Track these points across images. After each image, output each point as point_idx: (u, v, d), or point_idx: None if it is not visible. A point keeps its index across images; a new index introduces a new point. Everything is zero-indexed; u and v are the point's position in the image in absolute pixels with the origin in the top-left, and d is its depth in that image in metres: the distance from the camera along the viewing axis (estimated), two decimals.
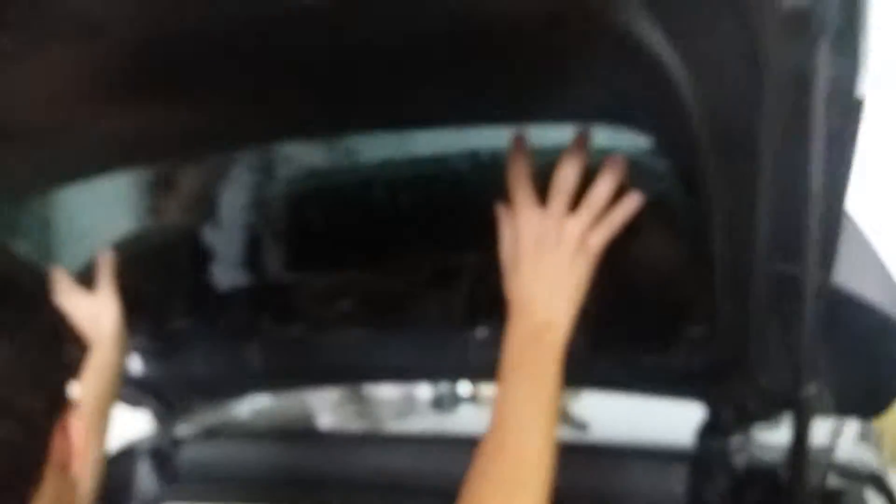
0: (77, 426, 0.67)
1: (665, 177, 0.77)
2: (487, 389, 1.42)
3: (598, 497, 0.98)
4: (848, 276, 0.82)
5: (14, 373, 0.61)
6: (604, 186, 0.73)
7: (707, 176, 0.63)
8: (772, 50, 0.54)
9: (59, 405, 0.65)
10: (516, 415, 0.73)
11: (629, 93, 0.58)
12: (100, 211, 1.23)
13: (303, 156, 1.17)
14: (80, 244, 1.24)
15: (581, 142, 0.73)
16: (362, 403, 1.61)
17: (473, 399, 1.44)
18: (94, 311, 1.10)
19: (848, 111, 0.60)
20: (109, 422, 1.11)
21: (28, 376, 0.62)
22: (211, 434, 1.50)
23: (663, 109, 0.57)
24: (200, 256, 1.31)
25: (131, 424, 1.53)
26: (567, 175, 0.73)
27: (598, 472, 1.01)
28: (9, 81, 0.58)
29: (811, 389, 0.70)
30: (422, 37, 0.53)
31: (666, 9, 0.49)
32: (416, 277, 1.15)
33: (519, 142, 0.75)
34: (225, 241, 1.29)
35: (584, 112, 0.68)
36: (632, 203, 0.74)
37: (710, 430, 0.95)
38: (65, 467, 0.67)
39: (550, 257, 0.74)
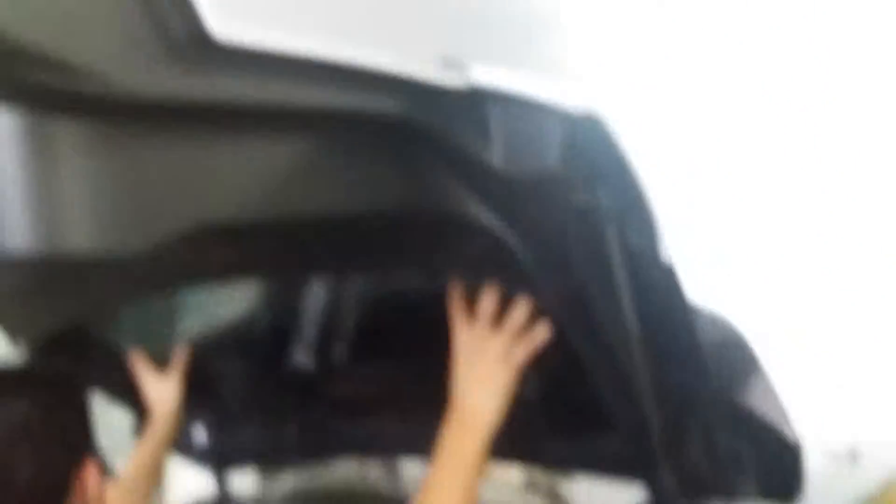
0: (93, 476, 0.88)
1: None
2: (496, 470, 1.56)
3: None
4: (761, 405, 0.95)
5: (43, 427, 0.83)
6: (519, 311, 0.90)
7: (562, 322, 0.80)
8: (575, 234, 0.72)
9: (80, 456, 0.87)
10: (439, 482, 0.91)
11: (483, 258, 0.76)
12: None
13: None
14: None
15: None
16: (395, 477, 1.78)
17: None
18: (161, 391, 1.33)
19: (661, 274, 0.76)
20: (156, 485, 1.33)
21: (56, 431, 0.84)
22: (262, 498, 1.70)
23: (508, 271, 0.75)
24: (266, 345, 1.54)
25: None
26: (487, 305, 0.91)
27: None
28: None
29: (666, 474, 0.84)
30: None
31: (493, 205, 0.68)
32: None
33: (454, 285, 0.94)
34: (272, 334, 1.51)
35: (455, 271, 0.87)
36: (542, 333, 0.90)
37: None
38: None
39: (478, 367, 0.92)
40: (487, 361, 0.92)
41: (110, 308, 0.91)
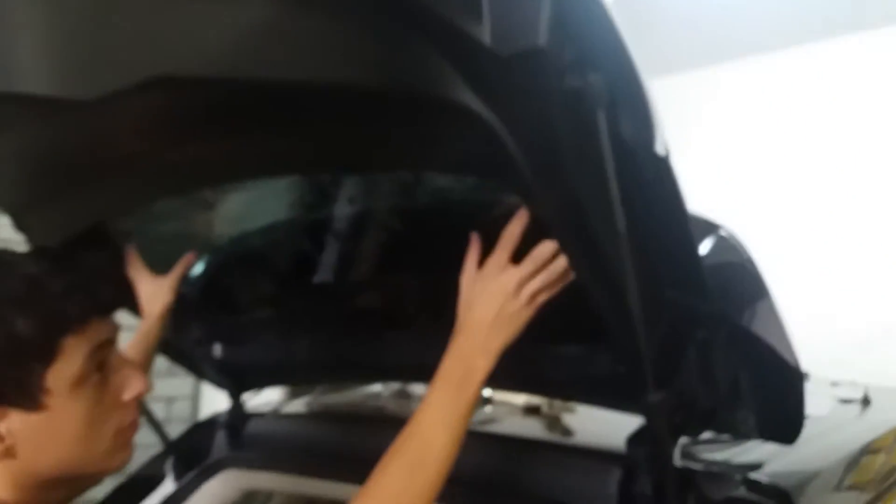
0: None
1: None
2: (502, 394, 1.58)
3: (547, 486, 1.14)
4: (749, 319, 0.94)
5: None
6: (546, 246, 0.91)
7: (550, 218, 0.79)
8: (567, 120, 0.70)
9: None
10: (433, 413, 0.92)
11: (471, 149, 0.75)
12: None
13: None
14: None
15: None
16: (406, 398, 1.81)
17: (490, 401, 1.61)
18: (154, 292, 1.36)
19: (655, 164, 0.74)
20: None
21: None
22: (275, 412, 1.75)
23: (499, 164, 0.74)
24: (282, 261, 1.56)
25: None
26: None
27: (549, 467, 1.16)
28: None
29: (657, 396, 0.84)
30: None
31: (480, 88, 0.66)
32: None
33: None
34: (302, 250, 1.53)
35: (442, 164, 0.85)
36: (568, 277, 0.91)
37: (639, 438, 1.08)
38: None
39: (509, 304, 0.93)
40: (516, 304, 0.92)
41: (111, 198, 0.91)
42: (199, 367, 1.73)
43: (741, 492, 1.02)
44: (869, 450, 1.33)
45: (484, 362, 0.93)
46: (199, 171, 0.92)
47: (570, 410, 1.44)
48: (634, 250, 0.78)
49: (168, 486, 1.68)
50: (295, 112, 0.66)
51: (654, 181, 0.75)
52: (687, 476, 1.05)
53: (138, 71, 0.57)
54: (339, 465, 1.48)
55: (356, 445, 1.55)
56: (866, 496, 1.27)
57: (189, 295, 1.59)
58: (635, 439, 1.08)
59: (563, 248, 0.84)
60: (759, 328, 0.92)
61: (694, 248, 0.84)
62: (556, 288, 0.93)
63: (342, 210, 1.45)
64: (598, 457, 1.15)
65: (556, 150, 0.71)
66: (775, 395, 0.97)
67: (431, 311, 1.41)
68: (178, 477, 1.68)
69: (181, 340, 1.64)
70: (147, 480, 1.72)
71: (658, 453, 1.05)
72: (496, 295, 0.93)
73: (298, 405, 1.84)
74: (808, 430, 1.02)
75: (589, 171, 0.72)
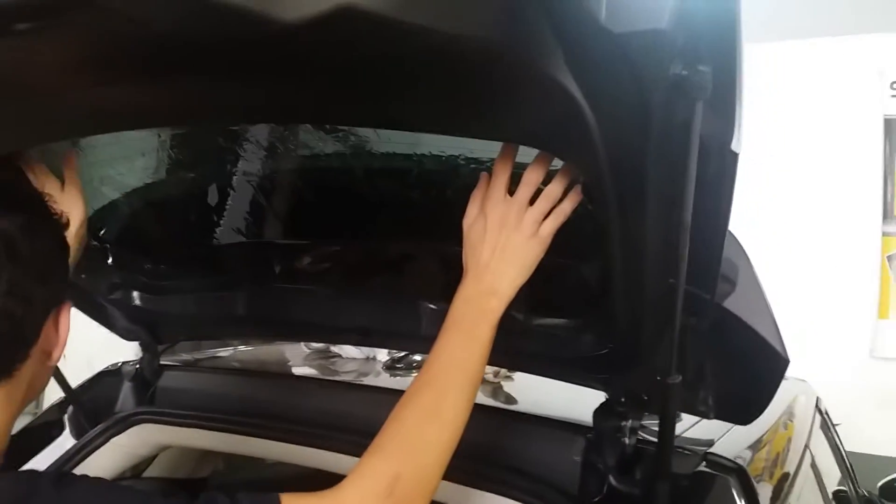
0: (66, 321, 0.81)
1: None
2: None
3: (512, 454, 1.16)
4: (738, 306, 0.98)
5: (33, 263, 0.74)
6: (558, 184, 0.88)
7: (607, 200, 0.80)
8: (659, 106, 0.71)
9: (58, 299, 0.80)
10: (447, 359, 0.87)
11: (549, 123, 0.74)
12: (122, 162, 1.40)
13: (313, 140, 1.32)
14: (99, 189, 1.41)
15: (545, 157, 0.89)
16: (329, 360, 1.78)
17: None
18: (65, 204, 1.18)
19: (724, 160, 0.76)
20: None
21: (42, 268, 0.76)
22: (190, 366, 1.67)
23: (574, 141, 0.73)
24: (206, 212, 1.48)
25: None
26: (533, 174, 0.88)
27: (513, 434, 1.19)
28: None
29: (676, 378, 0.87)
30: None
31: (580, 65, 0.65)
32: (384, 255, 1.32)
33: (510, 148, 0.89)
34: (229, 202, 1.45)
35: (514, 135, 0.83)
36: (576, 197, 0.89)
37: (606, 412, 1.12)
38: (48, 355, 0.80)
39: (511, 236, 0.88)
40: (523, 233, 0.88)
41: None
42: (107, 316, 1.61)
43: (703, 467, 1.09)
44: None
45: (496, 303, 0.88)
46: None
47: (511, 379, 1.48)
48: (672, 238, 0.80)
49: (67, 438, 1.57)
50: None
51: (717, 175, 0.76)
52: (651, 451, 1.10)
53: None
54: (260, 421, 1.44)
55: (278, 402, 1.53)
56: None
57: (104, 238, 1.49)
58: (602, 412, 1.12)
59: (603, 221, 0.84)
60: (748, 316, 0.97)
61: (722, 247, 0.86)
62: (562, 217, 0.89)
63: (279, 164, 1.40)
64: (561, 427, 1.19)
65: (640, 134, 0.71)
66: (754, 379, 1.03)
67: (361, 273, 1.40)
68: (78, 429, 1.57)
69: (92, 285, 1.53)
70: (41, 431, 1.60)
71: (630, 428, 1.10)
72: (497, 228, 0.88)
73: (212, 360, 1.77)
74: None
75: (669, 159, 0.73)
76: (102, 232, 1.47)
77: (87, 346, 1.89)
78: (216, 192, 1.45)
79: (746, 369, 1.02)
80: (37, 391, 0.83)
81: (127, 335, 1.63)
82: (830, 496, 1.61)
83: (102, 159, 1.36)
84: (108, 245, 1.49)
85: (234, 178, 1.43)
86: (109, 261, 1.49)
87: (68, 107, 0.77)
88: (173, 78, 0.66)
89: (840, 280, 3.80)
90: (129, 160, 1.40)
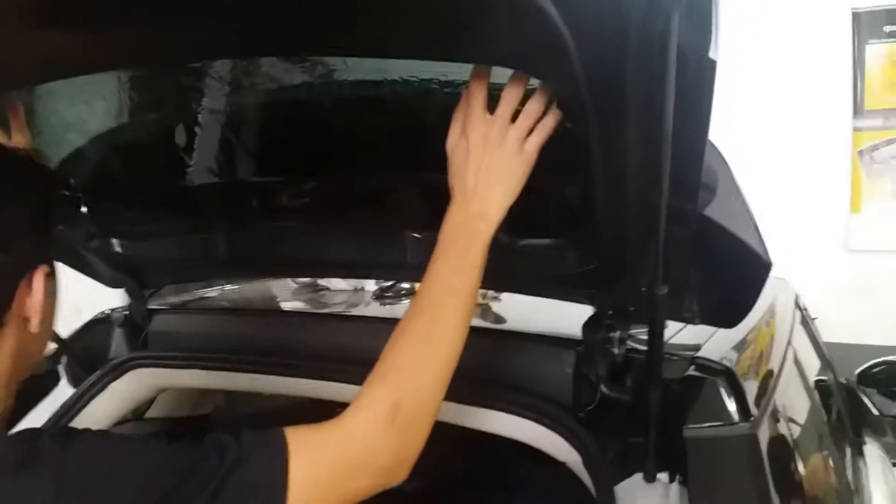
0: (40, 286, 0.80)
1: None
2: None
3: (507, 371, 1.19)
4: (720, 213, 0.99)
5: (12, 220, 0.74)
6: (538, 101, 0.87)
7: (587, 116, 0.80)
8: (635, 21, 0.70)
9: (27, 264, 0.79)
10: (440, 285, 0.88)
11: (525, 43, 0.73)
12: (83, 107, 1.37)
13: (278, 72, 1.30)
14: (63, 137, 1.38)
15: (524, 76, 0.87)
16: (317, 293, 1.80)
17: (414, 292, 1.63)
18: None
19: (702, 69, 0.76)
20: None
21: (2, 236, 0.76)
22: (179, 309, 1.67)
23: (551, 60, 0.73)
24: (176, 153, 1.45)
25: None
26: (512, 92, 0.87)
27: (507, 353, 1.22)
28: None
29: (663, 289, 0.89)
30: None
31: None
32: (363, 187, 1.32)
33: (482, 69, 0.87)
34: (198, 142, 1.43)
35: (491, 57, 0.82)
36: (557, 115, 0.88)
37: (595, 325, 1.15)
38: (26, 321, 0.80)
39: (495, 155, 0.87)
40: (507, 151, 0.87)
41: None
42: (89, 265, 1.60)
43: (692, 371, 1.12)
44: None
45: (485, 226, 0.88)
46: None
47: (498, 299, 1.50)
48: (654, 150, 0.80)
49: (65, 388, 1.58)
50: None
51: (696, 84, 0.76)
52: (640, 359, 1.13)
53: None
54: (255, 357, 1.46)
55: (270, 338, 1.55)
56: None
57: (75, 187, 1.47)
58: (590, 325, 1.15)
59: (584, 138, 0.84)
60: (730, 222, 0.98)
61: (703, 156, 0.87)
62: (546, 132, 0.88)
63: (245, 100, 1.38)
64: (551, 342, 1.22)
65: (616, 48, 0.71)
66: (737, 284, 1.05)
67: (342, 206, 1.40)
68: (75, 377, 1.58)
69: (70, 234, 1.52)
70: (36, 382, 1.61)
71: (619, 339, 1.13)
72: (480, 147, 0.87)
73: (200, 301, 1.77)
74: None
75: (647, 72, 0.73)
76: (73, 181, 1.45)
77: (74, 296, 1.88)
78: (183, 132, 1.43)
79: (730, 275, 1.04)
80: (29, 359, 0.84)
81: (112, 283, 1.63)
82: (812, 386, 1.67)
83: (62, 106, 1.33)
84: (79, 194, 1.47)
85: (200, 116, 1.40)
86: (83, 209, 1.48)
87: (23, 52, 0.75)
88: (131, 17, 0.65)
89: (812, 176, 3.82)
90: (88, 105, 1.37)
